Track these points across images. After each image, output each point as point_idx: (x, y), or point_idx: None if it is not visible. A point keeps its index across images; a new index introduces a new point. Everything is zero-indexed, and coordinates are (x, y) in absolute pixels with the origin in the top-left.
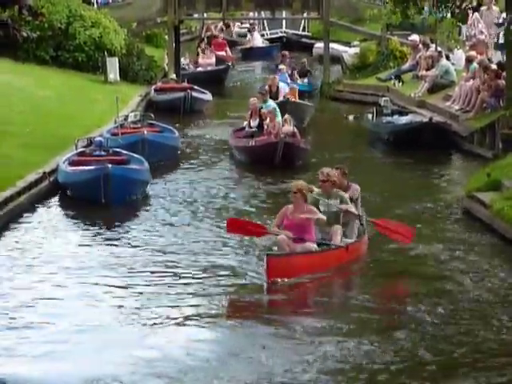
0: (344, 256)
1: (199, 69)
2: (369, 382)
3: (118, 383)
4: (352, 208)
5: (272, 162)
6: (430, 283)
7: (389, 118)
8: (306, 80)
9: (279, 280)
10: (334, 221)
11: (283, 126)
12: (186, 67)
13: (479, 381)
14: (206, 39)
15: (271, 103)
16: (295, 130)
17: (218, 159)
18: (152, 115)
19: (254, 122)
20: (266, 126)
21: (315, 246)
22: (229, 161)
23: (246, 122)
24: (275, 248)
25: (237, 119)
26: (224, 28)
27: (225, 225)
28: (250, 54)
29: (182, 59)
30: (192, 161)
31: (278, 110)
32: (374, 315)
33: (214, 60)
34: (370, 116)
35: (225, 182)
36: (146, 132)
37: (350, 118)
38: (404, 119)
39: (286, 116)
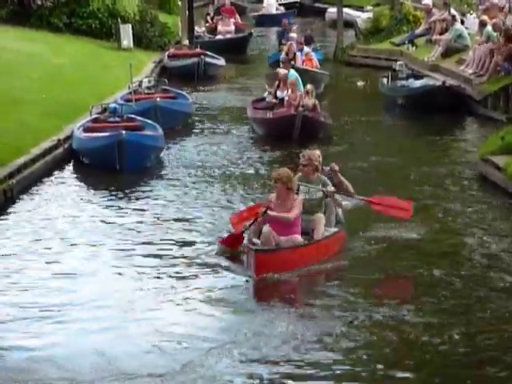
0: (330, 247)
1: (218, 36)
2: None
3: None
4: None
5: (290, 137)
6: (444, 254)
7: (403, 82)
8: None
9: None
10: (316, 208)
11: (304, 97)
12: (202, 35)
13: None
14: (211, 7)
15: (293, 73)
16: (316, 102)
17: (232, 125)
18: (166, 81)
19: (282, 93)
20: (286, 98)
21: (300, 238)
22: (244, 128)
23: (266, 93)
24: (256, 241)
25: (253, 85)
26: None
27: (239, 193)
28: (264, 21)
29: (196, 27)
30: (206, 127)
31: (300, 80)
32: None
33: (233, 27)
34: (384, 80)
35: (238, 148)
36: (158, 99)
37: (359, 83)
38: (418, 83)
39: (309, 87)
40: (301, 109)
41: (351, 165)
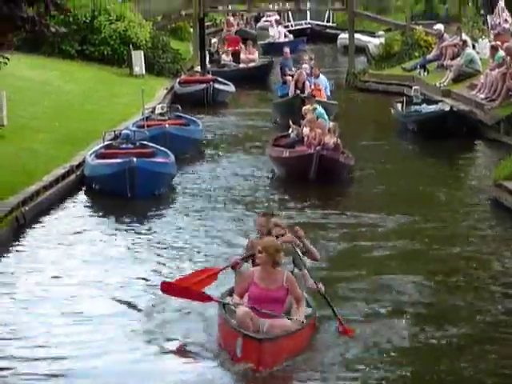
0: (313, 329)
1: (241, 65)
2: None
3: None
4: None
5: (307, 177)
6: (457, 273)
7: (416, 107)
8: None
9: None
10: None
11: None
12: (228, 63)
13: None
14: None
15: (320, 110)
16: (339, 141)
17: (243, 153)
18: (179, 107)
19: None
20: (305, 137)
21: (288, 320)
22: (255, 155)
23: (291, 129)
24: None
25: (262, 112)
26: (245, 23)
27: (251, 220)
28: (271, 49)
29: (224, 55)
30: (217, 153)
31: (325, 116)
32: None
33: (256, 56)
34: (399, 106)
35: (250, 178)
36: (167, 125)
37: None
38: (430, 108)
39: (331, 125)
40: (319, 148)
41: (363, 190)
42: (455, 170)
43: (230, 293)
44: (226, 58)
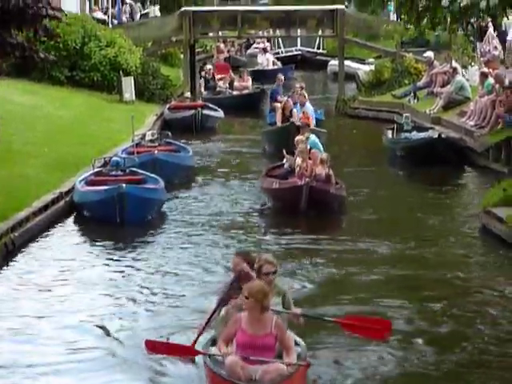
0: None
1: (235, 92)
2: None
3: None
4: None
5: (297, 208)
6: (446, 299)
7: (407, 134)
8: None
9: None
10: None
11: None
12: (223, 90)
13: None
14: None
15: (313, 139)
16: (331, 172)
17: (232, 179)
18: (169, 133)
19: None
20: (297, 168)
21: (280, 364)
22: (244, 182)
23: (285, 160)
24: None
25: (250, 139)
26: (236, 50)
27: (240, 246)
28: (259, 76)
29: (220, 83)
30: (207, 180)
31: (319, 145)
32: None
33: (249, 83)
34: (389, 133)
35: (239, 204)
36: (156, 152)
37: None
38: (420, 135)
39: (323, 156)
40: (308, 179)
41: (353, 217)
42: (444, 197)
43: (213, 342)
44: (222, 85)
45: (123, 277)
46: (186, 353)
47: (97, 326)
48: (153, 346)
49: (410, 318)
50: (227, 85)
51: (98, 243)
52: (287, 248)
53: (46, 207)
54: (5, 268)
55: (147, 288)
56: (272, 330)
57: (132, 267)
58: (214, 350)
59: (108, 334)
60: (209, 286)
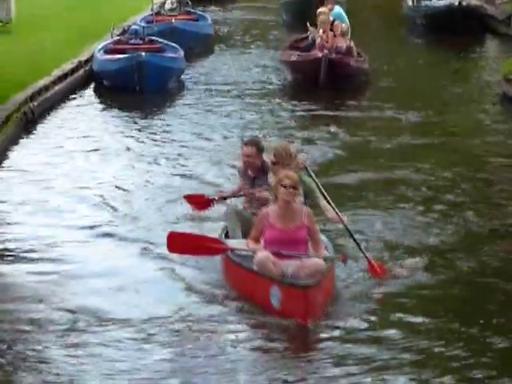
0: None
1: None
2: None
3: None
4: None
5: (316, 82)
6: (470, 165)
7: (427, 2)
8: None
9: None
10: None
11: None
12: None
13: None
14: None
15: (338, 9)
16: (352, 44)
17: (252, 48)
18: (188, 2)
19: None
20: (318, 39)
21: (319, 260)
22: (263, 51)
23: (308, 32)
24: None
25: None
26: None
27: (257, 116)
28: None
29: None
30: (226, 48)
31: (344, 16)
32: None
33: None
34: (409, 0)
35: (259, 72)
36: (174, 20)
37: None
38: (440, 3)
39: (344, 26)
40: (326, 52)
41: (376, 87)
42: (465, 65)
43: (226, 235)
44: None
45: (142, 146)
46: (213, 249)
47: (113, 192)
48: (174, 242)
49: (429, 184)
50: None
51: (116, 112)
52: (304, 116)
53: (65, 76)
54: (24, 137)
55: (165, 157)
56: (304, 222)
57: (150, 136)
58: (239, 243)
59: (123, 201)
60: (223, 158)
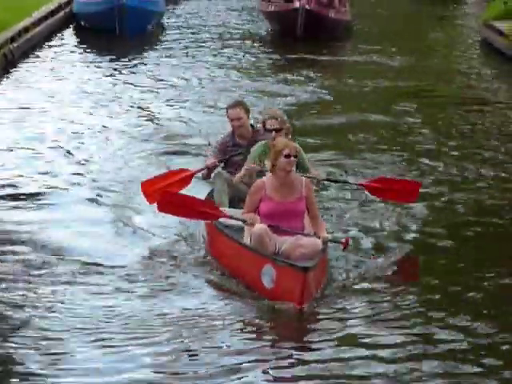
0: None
1: None
2: None
3: None
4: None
5: (294, 33)
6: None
7: None
8: None
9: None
10: None
11: None
12: None
13: None
14: None
15: None
16: None
17: None
18: None
19: None
20: None
21: (317, 240)
22: None
23: None
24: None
25: None
26: None
27: (236, 58)
28: None
29: None
30: None
31: None
32: None
33: None
34: None
35: (239, 17)
36: None
37: None
38: None
39: None
40: (303, 2)
41: (358, 33)
42: (446, 11)
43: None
44: None
45: (118, 87)
46: (205, 213)
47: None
48: (166, 202)
49: (411, 127)
50: None
51: (96, 54)
52: (282, 63)
53: (45, 18)
54: (4, 78)
55: (141, 99)
56: (303, 193)
57: (130, 78)
58: (236, 212)
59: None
60: (203, 99)
